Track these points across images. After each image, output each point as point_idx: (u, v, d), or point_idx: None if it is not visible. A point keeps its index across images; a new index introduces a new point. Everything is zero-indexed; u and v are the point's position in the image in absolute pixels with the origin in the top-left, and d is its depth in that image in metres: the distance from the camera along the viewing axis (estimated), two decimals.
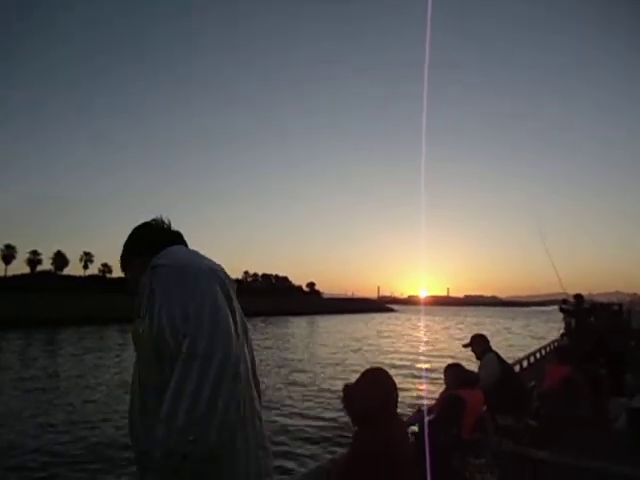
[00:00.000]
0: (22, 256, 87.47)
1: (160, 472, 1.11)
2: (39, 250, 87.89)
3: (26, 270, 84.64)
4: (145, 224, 1.50)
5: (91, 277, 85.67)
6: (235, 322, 1.28)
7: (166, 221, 1.50)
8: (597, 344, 7.67)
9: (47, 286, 62.65)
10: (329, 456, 3.07)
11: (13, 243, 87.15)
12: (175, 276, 1.23)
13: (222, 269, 1.39)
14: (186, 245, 1.51)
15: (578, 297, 10.63)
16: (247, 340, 1.40)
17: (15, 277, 76.68)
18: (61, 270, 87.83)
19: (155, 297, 1.22)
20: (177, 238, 1.49)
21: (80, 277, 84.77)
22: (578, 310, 10.23)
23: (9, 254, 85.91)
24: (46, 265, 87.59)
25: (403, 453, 2.18)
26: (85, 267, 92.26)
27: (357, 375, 2.34)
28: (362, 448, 2.17)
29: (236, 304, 1.36)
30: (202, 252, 1.44)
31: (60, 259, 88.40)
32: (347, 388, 2.36)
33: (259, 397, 1.43)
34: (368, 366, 2.53)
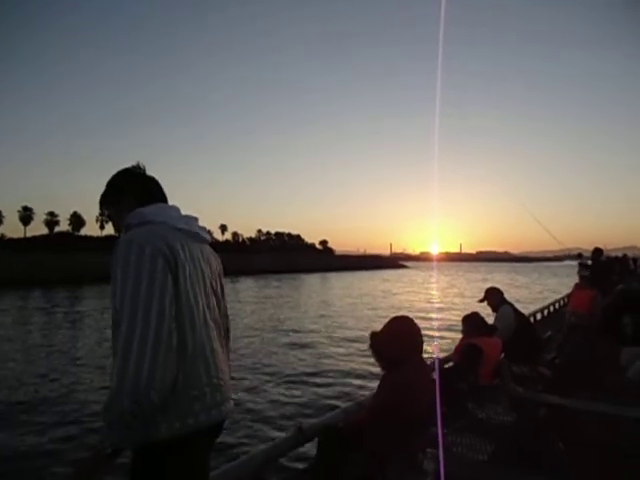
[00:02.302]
0: (39, 217, 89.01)
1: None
2: (56, 212, 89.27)
3: (44, 231, 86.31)
4: (126, 169, 1.61)
5: (108, 237, 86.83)
6: (192, 280, 1.41)
7: (142, 166, 1.62)
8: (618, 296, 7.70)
9: (65, 246, 63.95)
10: (357, 399, 3.23)
11: (30, 205, 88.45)
12: (123, 254, 1.32)
13: (181, 225, 1.48)
14: (161, 191, 1.63)
15: (597, 251, 10.50)
16: (216, 287, 1.59)
17: (34, 238, 78.17)
18: (78, 231, 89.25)
19: (113, 270, 1.33)
20: (153, 184, 1.62)
21: (97, 237, 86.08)
22: (595, 263, 10.15)
23: (26, 215, 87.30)
24: (63, 226, 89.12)
25: (426, 395, 2.32)
26: (101, 227, 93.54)
27: (379, 325, 2.45)
28: (390, 390, 2.31)
29: (195, 256, 1.48)
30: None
31: (77, 220, 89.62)
32: (374, 335, 2.48)
33: (223, 337, 1.60)
34: (386, 317, 2.64)
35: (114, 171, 1.61)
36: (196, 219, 1.60)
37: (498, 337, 3.91)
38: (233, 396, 1.58)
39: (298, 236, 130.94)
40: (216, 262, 1.66)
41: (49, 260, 45.16)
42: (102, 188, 1.61)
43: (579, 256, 14.76)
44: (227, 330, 1.70)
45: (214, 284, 1.59)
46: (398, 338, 2.35)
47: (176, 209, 1.59)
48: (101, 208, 1.63)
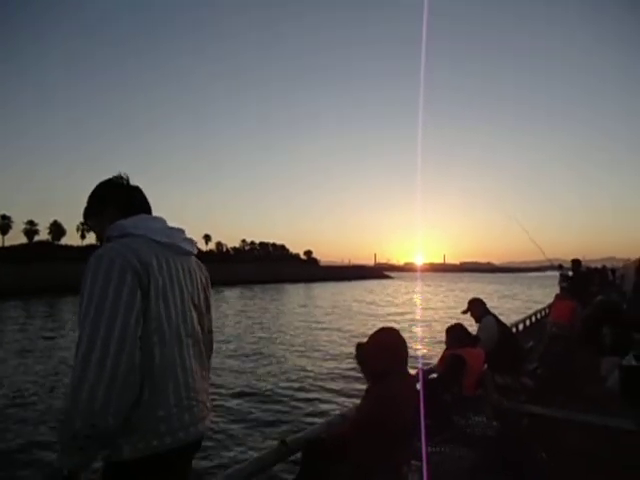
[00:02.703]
0: (18, 227, 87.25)
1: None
2: (35, 220, 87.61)
3: (23, 240, 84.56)
4: (109, 180, 1.59)
5: (89, 246, 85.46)
6: (164, 295, 1.38)
7: (125, 176, 1.60)
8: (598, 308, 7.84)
9: (45, 256, 62.69)
10: (340, 410, 3.22)
11: (8, 214, 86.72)
12: (92, 268, 1.29)
13: (160, 238, 1.45)
14: (145, 201, 1.61)
15: (575, 262, 10.73)
16: (199, 301, 1.56)
17: (13, 247, 76.54)
18: (59, 240, 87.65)
19: (82, 284, 1.30)
20: (137, 194, 1.60)
21: (78, 247, 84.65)
22: (575, 274, 10.35)
23: (5, 224, 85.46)
24: (43, 235, 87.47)
25: (411, 407, 2.32)
26: (82, 237, 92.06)
27: (362, 338, 2.45)
28: (373, 402, 2.30)
29: (173, 270, 1.44)
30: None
31: (57, 229, 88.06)
32: (359, 346, 2.47)
33: (204, 353, 1.57)
34: (366, 330, 2.65)
35: (94, 180, 1.59)
36: (181, 231, 1.57)
37: (481, 348, 3.94)
38: (213, 412, 1.55)
39: (283, 246, 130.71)
40: (201, 275, 1.63)
41: (27, 270, 44.23)
42: (81, 197, 1.59)
43: (560, 267, 15.04)
44: (210, 345, 1.66)
45: (195, 298, 1.54)
46: (383, 350, 2.34)
47: (160, 220, 1.56)
48: (85, 219, 1.61)
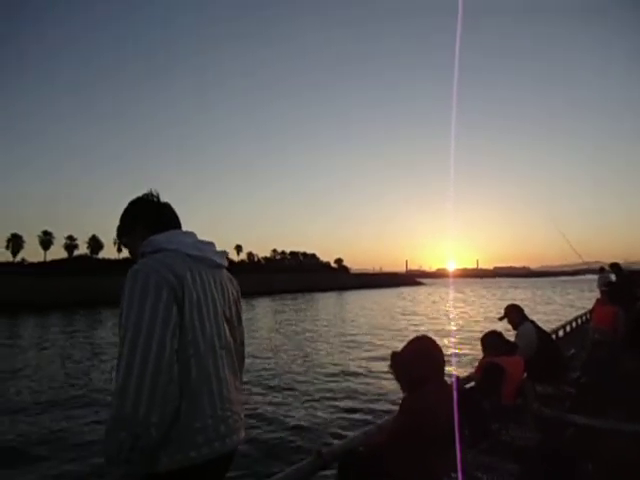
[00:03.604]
0: (59, 241, 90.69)
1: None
2: (74, 235, 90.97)
3: (64, 255, 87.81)
4: (139, 198, 1.65)
5: (126, 259, 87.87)
6: (199, 308, 1.41)
7: (155, 193, 1.65)
8: None
9: (84, 269, 64.89)
10: (377, 421, 3.17)
11: (50, 229, 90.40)
12: (129, 284, 1.33)
13: (193, 252, 1.49)
14: (175, 217, 1.65)
15: (614, 266, 10.30)
16: (230, 314, 1.58)
17: (54, 262, 79.53)
18: (97, 254, 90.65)
19: (121, 299, 1.34)
20: (167, 210, 1.65)
21: (115, 260, 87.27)
22: (618, 278, 9.94)
23: (47, 239, 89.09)
24: (82, 249, 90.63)
25: (448, 416, 2.26)
26: (119, 250, 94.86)
27: (399, 345, 2.41)
28: (410, 412, 2.25)
29: (206, 283, 1.47)
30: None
31: (95, 243, 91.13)
32: (394, 355, 2.44)
33: (237, 365, 1.59)
34: (405, 337, 2.61)
35: (129, 195, 1.64)
36: (212, 244, 1.59)
37: (520, 356, 3.82)
38: (248, 423, 1.56)
39: (313, 255, 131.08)
40: (232, 288, 1.65)
41: (68, 283, 45.81)
42: (119, 212, 1.64)
43: (601, 270, 14.46)
44: (242, 357, 1.69)
45: (227, 311, 1.56)
46: (419, 358, 2.31)
47: (191, 234, 1.59)
48: (118, 238, 1.68)
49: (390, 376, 2.55)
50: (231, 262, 1.74)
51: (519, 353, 3.87)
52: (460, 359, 11.72)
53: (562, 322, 10.00)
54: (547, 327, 8.36)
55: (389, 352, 2.54)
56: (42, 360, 13.83)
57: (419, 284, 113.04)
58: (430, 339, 2.43)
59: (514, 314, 4.68)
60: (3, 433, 7.09)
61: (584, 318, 11.50)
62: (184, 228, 1.65)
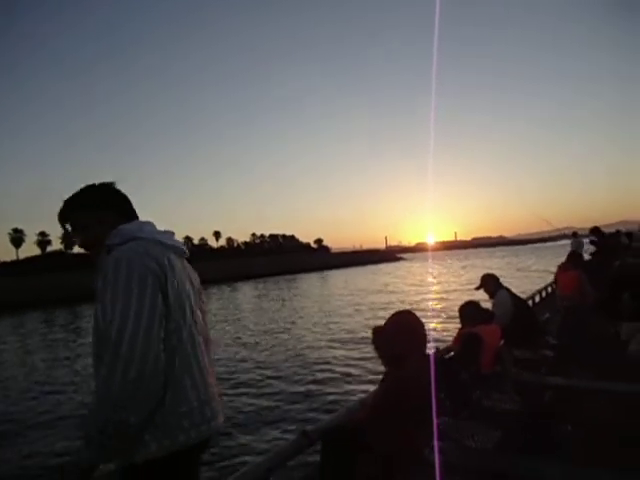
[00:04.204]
0: (31, 238, 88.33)
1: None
2: (47, 231, 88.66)
3: (37, 252, 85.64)
4: (107, 184, 1.58)
5: None
6: (179, 295, 1.41)
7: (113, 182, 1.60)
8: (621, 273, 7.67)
9: (59, 265, 63.47)
10: (360, 397, 3.21)
11: (20, 227, 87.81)
12: (113, 273, 1.30)
13: (165, 240, 1.47)
14: (132, 210, 1.59)
15: (595, 230, 10.47)
16: (194, 298, 1.54)
17: (27, 259, 77.58)
18: (71, 249, 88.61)
19: (100, 289, 1.31)
20: (125, 202, 1.59)
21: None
22: (601, 241, 10.13)
23: (17, 237, 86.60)
24: (56, 245, 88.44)
25: (429, 388, 2.28)
26: None
27: (381, 319, 2.42)
28: (391, 387, 2.27)
29: (180, 271, 1.46)
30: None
31: (69, 238, 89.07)
32: (376, 330, 2.44)
33: (210, 352, 1.59)
34: (386, 311, 2.62)
35: (88, 179, 1.56)
36: (173, 233, 1.58)
37: (496, 324, 3.89)
38: (226, 408, 1.57)
39: (292, 237, 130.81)
40: (195, 276, 1.65)
41: (43, 281, 44.83)
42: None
43: (574, 235, 14.84)
44: (208, 342, 1.69)
45: (197, 298, 1.57)
46: (401, 333, 2.32)
47: (152, 224, 1.56)
48: (77, 226, 1.55)
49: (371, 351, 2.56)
50: (211, 248, 1.73)
51: (496, 321, 3.95)
52: (439, 332, 11.95)
53: (538, 288, 10.24)
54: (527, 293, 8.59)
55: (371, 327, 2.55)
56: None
57: (399, 259, 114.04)
58: (411, 313, 2.44)
59: (489, 283, 4.76)
60: None
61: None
62: (154, 217, 1.61)
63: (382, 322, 2.49)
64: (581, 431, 3.12)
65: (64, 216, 1.55)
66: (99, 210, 1.50)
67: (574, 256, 6.93)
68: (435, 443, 2.50)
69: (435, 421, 2.33)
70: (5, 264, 74.51)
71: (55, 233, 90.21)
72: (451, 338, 4.30)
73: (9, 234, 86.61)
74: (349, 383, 8.30)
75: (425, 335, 2.39)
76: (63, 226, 1.58)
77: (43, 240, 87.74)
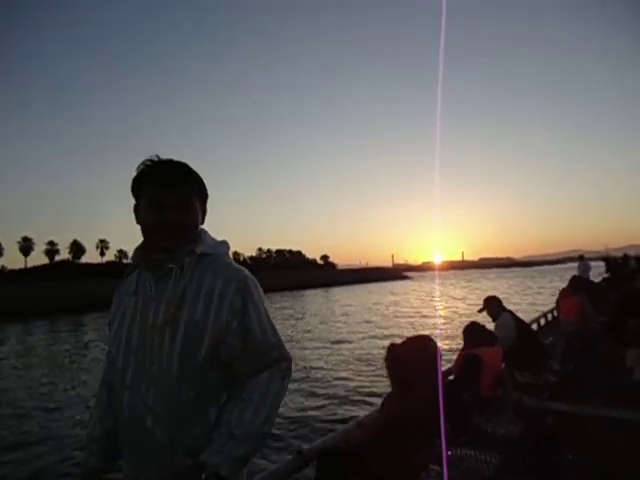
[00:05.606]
0: (39, 247, 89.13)
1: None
2: (55, 240, 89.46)
3: (45, 261, 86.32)
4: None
5: (110, 263, 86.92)
6: None
7: None
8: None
9: (66, 274, 63.84)
10: (357, 417, 3.17)
11: (30, 235, 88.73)
12: (255, 291, 1.30)
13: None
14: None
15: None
16: None
17: (35, 268, 78.13)
18: (79, 259, 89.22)
19: (243, 308, 1.24)
20: None
21: (98, 264, 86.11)
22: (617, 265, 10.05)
23: (26, 246, 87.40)
24: (64, 255, 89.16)
25: (431, 415, 2.23)
26: (102, 254, 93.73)
27: (382, 340, 2.38)
28: (393, 412, 2.24)
29: None
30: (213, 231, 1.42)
31: (77, 248, 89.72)
32: (393, 348, 2.38)
33: None
34: (386, 332, 2.58)
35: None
36: None
37: (499, 346, 3.86)
38: None
39: (299, 252, 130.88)
40: None
41: (50, 290, 45.03)
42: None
43: (581, 258, 14.73)
44: None
45: None
46: (413, 358, 2.26)
47: None
48: (187, 192, 1.28)
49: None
50: None
51: (498, 344, 3.91)
52: (444, 353, 11.76)
53: (542, 311, 10.14)
54: (530, 316, 8.48)
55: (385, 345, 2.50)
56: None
57: (405, 278, 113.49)
58: (430, 340, 2.39)
59: (492, 306, 4.73)
60: None
61: None
62: None
63: (387, 342, 2.45)
64: (584, 458, 3.06)
65: (187, 182, 1.29)
66: (205, 202, 1.38)
67: (575, 281, 6.87)
68: (433, 467, 2.47)
69: (438, 444, 2.30)
70: (13, 272, 75.07)
71: (63, 243, 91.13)
72: (452, 359, 4.26)
73: (18, 243, 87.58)
74: (346, 403, 8.19)
75: (438, 363, 2.33)
76: (175, 188, 1.25)
77: (52, 249, 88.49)
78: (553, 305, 11.96)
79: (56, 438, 7.11)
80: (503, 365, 3.80)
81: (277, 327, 1.31)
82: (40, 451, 6.60)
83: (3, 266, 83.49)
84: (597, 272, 11.32)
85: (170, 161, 1.28)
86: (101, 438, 1.37)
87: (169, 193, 1.23)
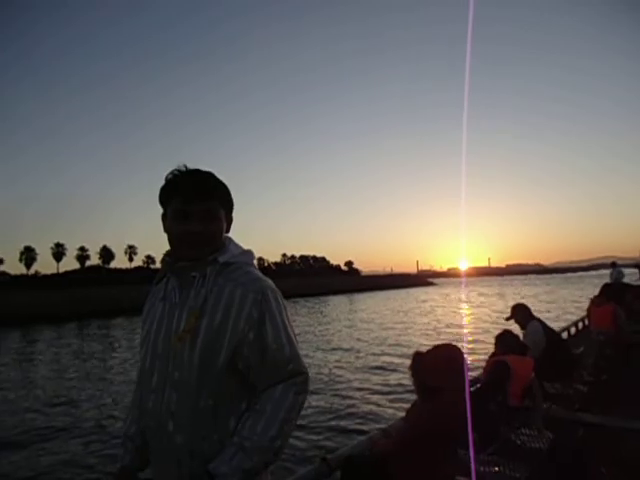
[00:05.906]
0: (71, 253, 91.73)
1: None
2: (86, 246, 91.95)
3: (76, 266, 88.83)
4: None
5: (138, 268, 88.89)
6: None
7: None
8: None
9: (97, 279, 65.53)
10: (382, 425, 3.15)
11: (61, 241, 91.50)
12: (279, 304, 1.30)
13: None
14: None
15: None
16: None
17: (67, 273, 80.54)
18: (108, 264, 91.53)
19: (260, 320, 1.24)
20: None
21: (127, 269, 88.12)
22: None
23: (59, 252, 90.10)
24: (94, 260, 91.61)
25: (459, 424, 2.20)
26: (130, 259, 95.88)
27: (403, 348, 2.37)
28: (420, 421, 2.22)
29: None
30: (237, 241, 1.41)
31: (106, 253, 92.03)
32: (419, 356, 2.35)
33: None
34: (410, 341, 2.56)
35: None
36: None
37: (530, 357, 3.78)
38: None
39: (323, 258, 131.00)
40: None
41: (81, 294, 46.21)
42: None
43: (613, 265, 14.29)
44: None
45: None
46: (442, 366, 2.24)
47: None
48: (214, 209, 1.29)
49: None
50: None
51: (529, 354, 3.83)
52: (469, 362, 11.56)
53: (572, 320, 9.88)
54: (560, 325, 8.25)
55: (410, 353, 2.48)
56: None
57: (430, 284, 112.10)
58: (457, 348, 2.35)
59: (521, 313, 4.64)
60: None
61: None
62: None
63: (419, 349, 2.43)
64: (615, 472, 2.97)
65: (212, 192, 1.29)
66: (231, 212, 1.38)
67: (607, 289, 6.69)
68: (459, 479, 2.44)
69: (465, 455, 2.27)
70: (47, 277, 77.44)
71: (94, 249, 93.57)
72: (478, 368, 4.20)
73: (51, 248, 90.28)
74: (371, 411, 8.12)
75: (465, 372, 2.30)
76: (200, 198, 1.26)
77: (82, 255, 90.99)
78: (584, 313, 11.66)
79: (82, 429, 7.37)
80: (533, 375, 3.72)
81: (297, 335, 1.30)
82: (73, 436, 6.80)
83: (37, 271, 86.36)
84: (631, 279, 10.93)
85: (196, 171, 1.31)
86: (136, 436, 1.39)
87: (194, 203, 1.25)
